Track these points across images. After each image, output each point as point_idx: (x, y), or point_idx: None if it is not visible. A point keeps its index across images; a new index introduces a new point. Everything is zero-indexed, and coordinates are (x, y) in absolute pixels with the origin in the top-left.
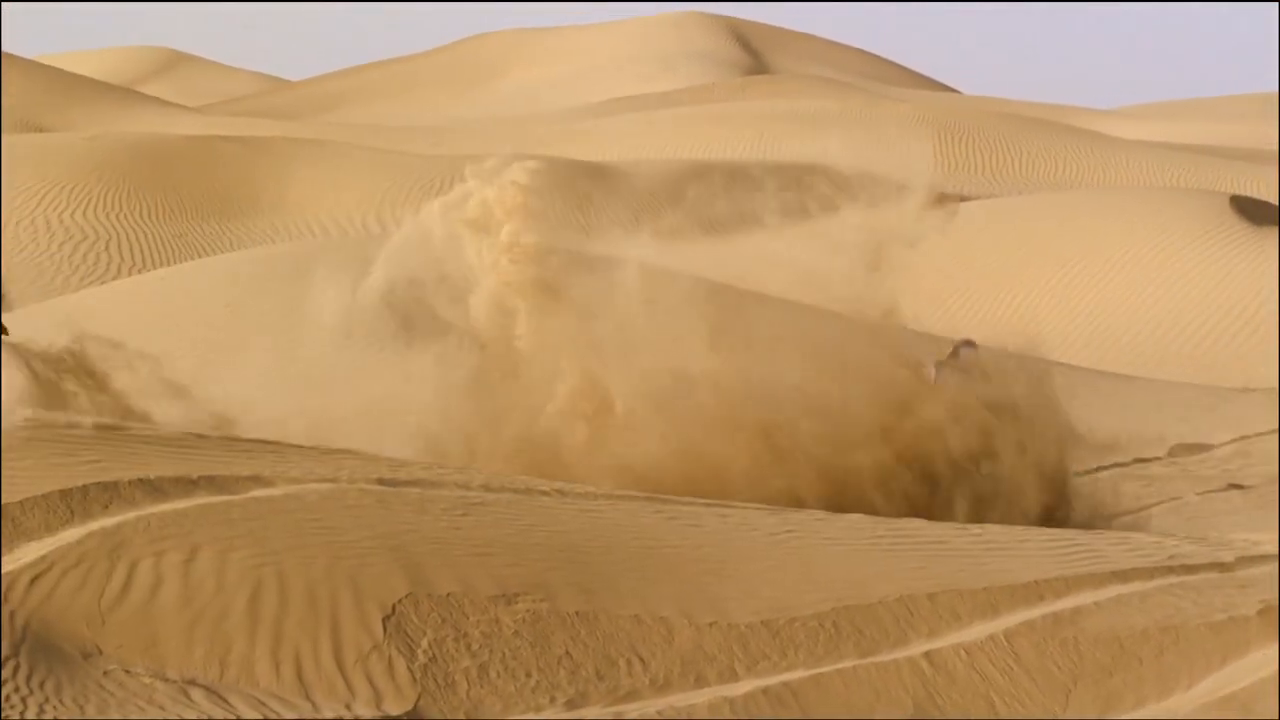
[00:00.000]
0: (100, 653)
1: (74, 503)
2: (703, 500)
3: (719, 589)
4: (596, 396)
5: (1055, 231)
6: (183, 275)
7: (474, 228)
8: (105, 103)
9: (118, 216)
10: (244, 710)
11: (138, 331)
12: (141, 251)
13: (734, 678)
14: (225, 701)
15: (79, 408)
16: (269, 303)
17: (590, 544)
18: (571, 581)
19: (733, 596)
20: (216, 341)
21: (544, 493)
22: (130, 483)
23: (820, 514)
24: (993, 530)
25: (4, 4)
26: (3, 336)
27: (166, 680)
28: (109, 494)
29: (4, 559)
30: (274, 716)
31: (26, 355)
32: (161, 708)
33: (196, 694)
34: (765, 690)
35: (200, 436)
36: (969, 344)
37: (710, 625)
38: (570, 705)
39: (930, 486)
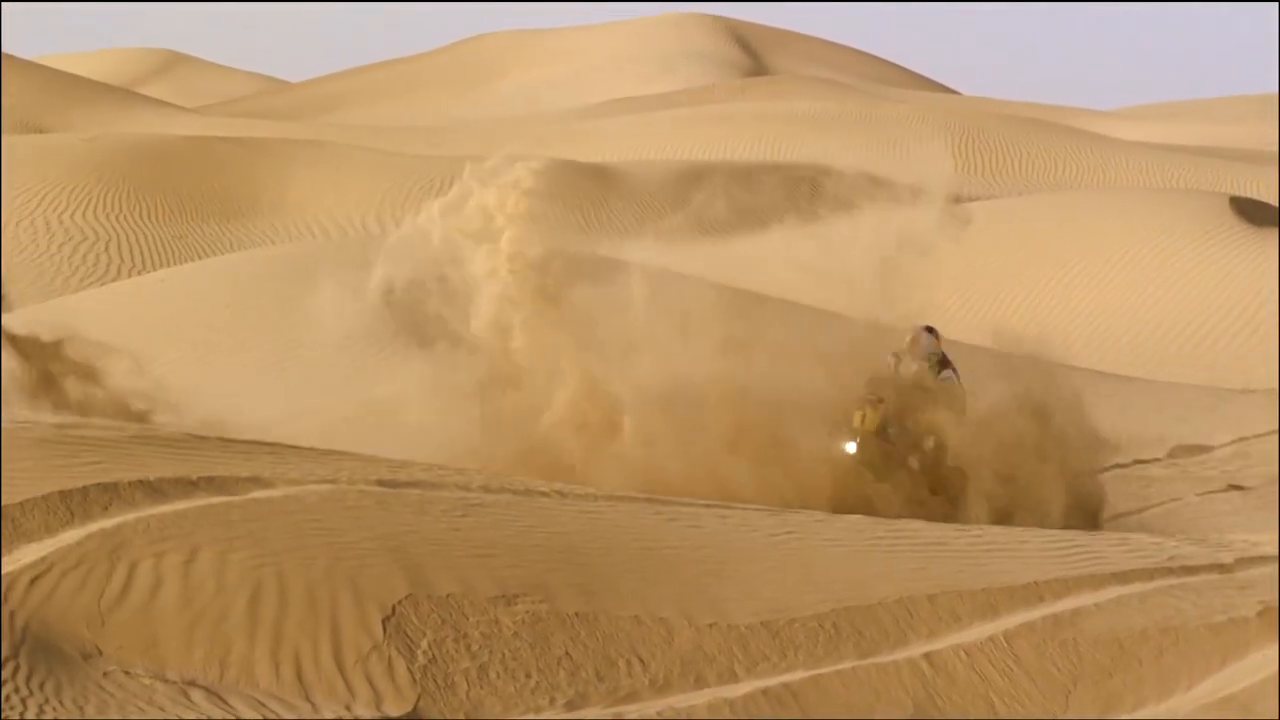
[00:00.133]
0: (100, 654)
1: (74, 504)
2: (702, 502)
3: (719, 590)
4: (597, 405)
5: (1055, 232)
6: (183, 276)
7: (475, 238)
8: (105, 104)
9: (117, 217)
10: (244, 711)
11: (137, 332)
12: (141, 252)
13: (734, 678)
14: (225, 702)
15: (75, 407)
16: (269, 304)
17: (590, 545)
18: (571, 582)
19: (732, 597)
20: (216, 342)
21: (544, 494)
22: (130, 484)
23: (820, 515)
24: (992, 532)
25: (3, 5)
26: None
27: (166, 681)
28: (109, 495)
29: (4, 560)
30: (274, 717)
31: (22, 348)
32: (161, 709)
33: (196, 695)
34: (765, 691)
35: (200, 438)
36: (929, 331)
37: (710, 626)
38: (570, 706)
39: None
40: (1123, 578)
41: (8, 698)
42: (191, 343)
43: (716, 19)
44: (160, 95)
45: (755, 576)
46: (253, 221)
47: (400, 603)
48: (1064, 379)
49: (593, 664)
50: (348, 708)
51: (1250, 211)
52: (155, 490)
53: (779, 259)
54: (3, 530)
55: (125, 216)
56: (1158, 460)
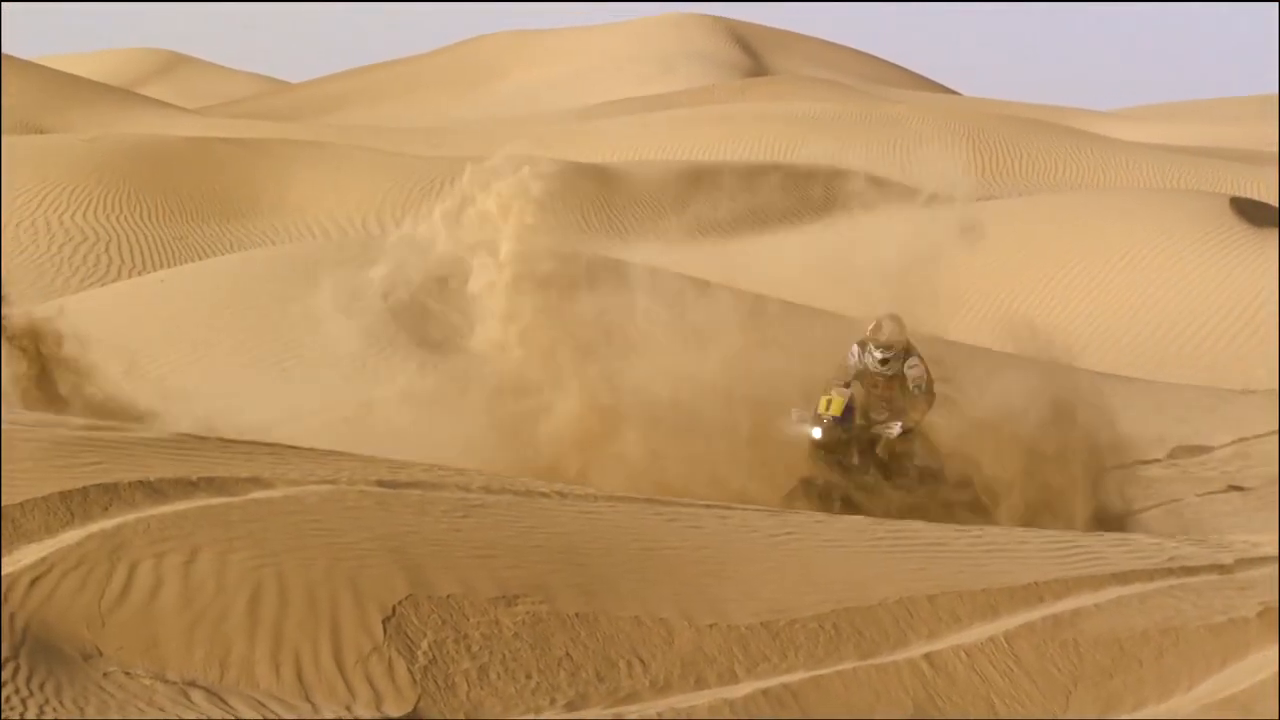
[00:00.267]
0: (100, 654)
1: (74, 504)
2: (702, 502)
3: (719, 591)
4: (598, 418)
5: (1055, 233)
6: (183, 277)
7: (476, 250)
8: (105, 104)
9: (117, 218)
10: (244, 712)
11: (138, 333)
12: (141, 253)
13: (734, 679)
14: (225, 703)
15: (75, 408)
16: (269, 304)
17: (590, 546)
18: (572, 583)
19: (733, 598)
20: (216, 343)
21: (544, 494)
22: (130, 484)
23: (820, 516)
24: (992, 532)
25: (4, 5)
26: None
27: (166, 682)
28: (109, 496)
29: (4, 561)
30: (274, 718)
31: (22, 349)
32: (161, 709)
33: (196, 695)
34: (765, 692)
35: (199, 438)
36: (892, 319)
37: (710, 627)
38: (570, 707)
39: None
40: (1123, 578)
41: (8, 698)
42: (191, 343)
43: (716, 19)
44: (160, 96)
45: (755, 577)
46: (253, 222)
47: (400, 603)
48: (1087, 381)
49: (593, 665)
50: (348, 708)
51: (1250, 212)
52: (155, 491)
53: (781, 260)
54: (3, 531)
55: (125, 217)
56: (1158, 461)
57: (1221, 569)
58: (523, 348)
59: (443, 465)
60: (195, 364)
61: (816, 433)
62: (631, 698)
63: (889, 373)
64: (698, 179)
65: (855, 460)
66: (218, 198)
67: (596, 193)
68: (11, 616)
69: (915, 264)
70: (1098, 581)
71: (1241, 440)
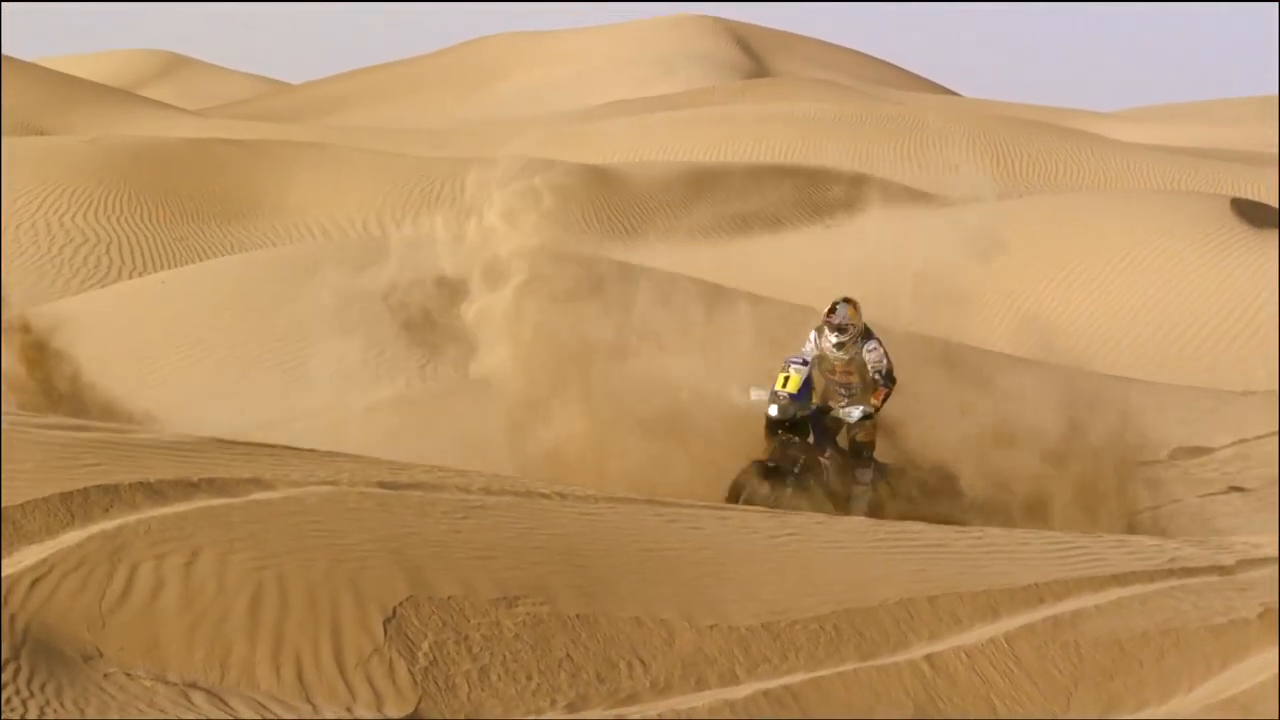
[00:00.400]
0: (101, 655)
1: (74, 506)
2: (702, 503)
3: (719, 592)
4: (597, 432)
5: (1055, 234)
6: (183, 278)
7: (480, 272)
8: (105, 106)
9: (118, 219)
10: (245, 712)
11: (138, 334)
12: (142, 254)
13: (734, 680)
14: (226, 704)
15: (75, 409)
16: (270, 305)
17: (590, 547)
18: (572, 584)
19: (733, 599)
20: (217, 344)
21: (544, 495)
22: (131, 485)
23: (820, 517)
24: (992, 533)
25: (4, 6)
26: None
27: (167, 683)
28: (109, 497)
29: (5, 562)
30: (274, 718)
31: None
32: (162, 710)
33: (197, 697)
34: (766, 693)
35: (200, 439)
36: (847, 302)
37: (711, 628)
38: (571, 708)
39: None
40: (1123, 580)
41: (8, 700)
42: (192, 344)
43: (716, 20)
44: (161, 97)
45: (756, 578)
46: (254, 223)
47: (401, 604)
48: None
49: (594, 666)
50: (349, 709)
51: (1251, 213)
52: (156, 492)
53: (781, 261)
54: (3, 532)
55: (126, 218)
56: (1158, 462)
57: (1222, 570)
58: (525, 372)
59: (443, 467)
60: (196, 365)
61: (773, 410)
62: (632, 699)
63: (845, 356)
64: (699, 180)
65: (811, 440)
66: (218, 199)
67: (597, 194)
68: (12, 618)
69: (924, 266)
70: (1098, 583)
71: (1242, 441)
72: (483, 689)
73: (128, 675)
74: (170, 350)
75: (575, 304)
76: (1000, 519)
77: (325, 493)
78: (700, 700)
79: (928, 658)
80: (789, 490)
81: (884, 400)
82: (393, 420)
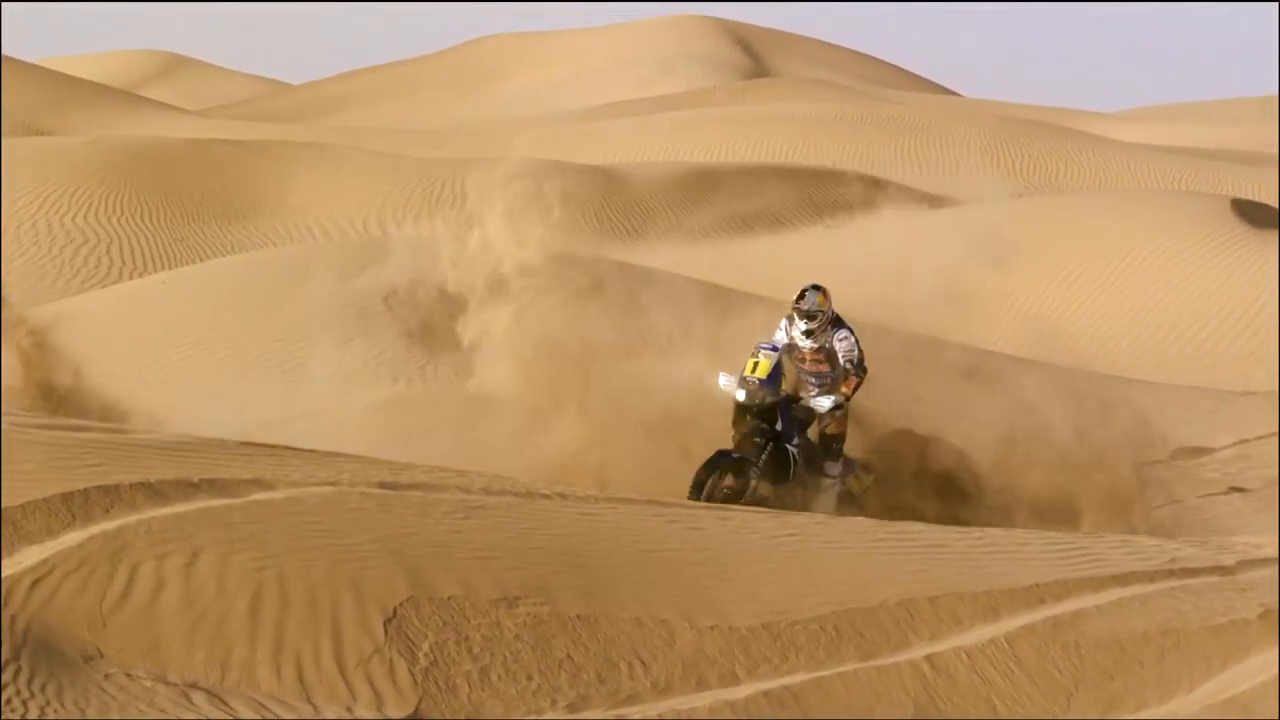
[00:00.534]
0: (101, 656)
1: (75, 506)
2: (703, 504)
3: (720, 592)
4: (599, 430)
5: (1056, 234)
6: (184, 278)
7: (490, 286)
8: (106, 106)
9: (119, 220)
10: (245, 713)
11: (139, 334)
12: (142, 255)
13: (735, 681)
14: (226, 704)
15: (75, 410)
16: (270, 306)
17: (591, 547)
18: (572, 585)
19: (733, 599)
20: (217, 344)
21: (545, 496)
22: (131, 486)
23: (820, 517)
24: (993, 534)
25: (4, 6)
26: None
27: (168, 683)
28: (110, 497)
29: (5, 562)
30: (275, 719)
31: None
32: (163, 711)
33: (198, 697)
34: (766, 693)
35: (201, 440)
36: (816, 289)
37: (711, 628)
38: (571, 708)
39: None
40: (1123, 580)
41: (9, 700)
42: (193, 344)
43: (717, 21)
44: (161, 98)
45: (756, 579)
46: (254, 224)
47: (402, 605)
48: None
49: (594, 666)
50: (349, 710)
51: (1251, 214)
52: (156, 492)
53: (782, 262)
54: (4, 533)
55: (126, 219)
56: (1159, 462)
57: (1222, 570)
58: (526, 378)
59: (444, 467)
60: (196, 365)
61: (740, 395)
62: (633, 699)
63: (815, 344)
64: (699, 180)
65: (779, 426)
66: (218, 199)
67: (598, 194)
68: (13, 618)
69: (926, 267)
70: (1099, 583)
71: (1243, 442)
72: (483, 689)
73: (128, 676)
74: (171, 350)
75: (576, 306)
76: (1031, 524)
77: (326, 493)
78: (701, 701)
79: (928, 658)
80: (753, 482)
81: (854, 390)
82: (393, 421)
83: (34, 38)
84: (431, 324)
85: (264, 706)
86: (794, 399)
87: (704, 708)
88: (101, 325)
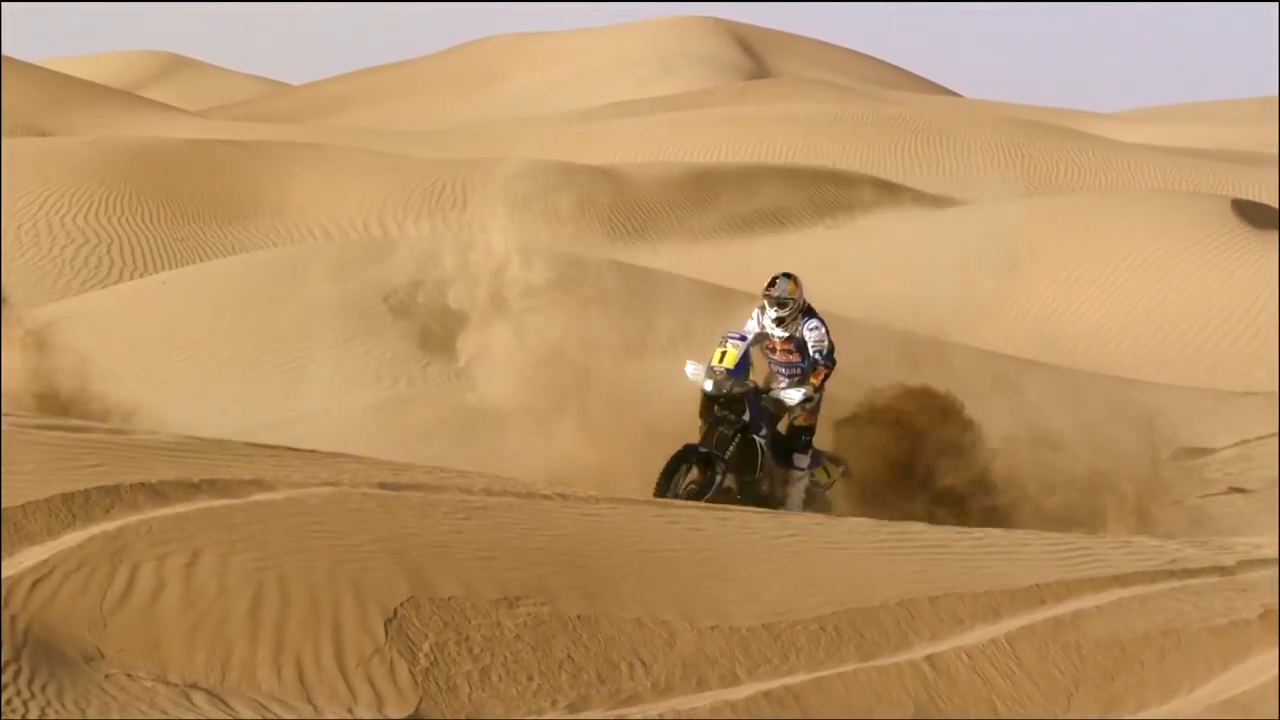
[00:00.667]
0: (102, 656)
1: (76, 506)
2: (703, 504)
3: (720, 592)
4: (597, 436)
5: (1056, 234)
6: (184, 279)
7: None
8: (106, 106)
9: (119, 220)
10: (245, 713)
11: (139, 335)
12: (143, 255)
13: (735, 681)
14: (227, 705)
15: (76, 410)
16: (271, 306)
17: (591, 548)
18: (573, 585)
19: (734, 600)
20: (218, 344)
21: (545, 496)
22: (132, 486)
23: (820, 518)
24: (993, 534)
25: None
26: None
27: (168, 683)
28: (111, 498)
29: (6, 563)
30: (275, 719)
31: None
32: (163, 711)
33: (198, 697)
34: (766, 693)
35: (201, 440)
36: (787, 277)
37: (711, 629)
38: (572, 708)
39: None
40: (1124, 580)
41: (9, 700)
42: (193, 345)
43: (717, 21)
44: (162, 98)
45: (756, 579)
46: (254, 224)
47: (402, 605)
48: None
49: (595, 666)
50: (350, 710)
51: (1251, 214)
52: (157, 493)
53: (782, 262)
54: (4, 533)
55: (127, 219)
56: (1159, 462)
57: (1223, 571)
58: (528, 383)
59: (444, 468)
60: (197, 365)
61: (708, 385)
62: (633, 699)
63: (785, 334)
64: (700, 181)
65: (746, 417)
66: (219, 200)
67: (599, 195)
68: (13, 619)
69: (926, 267)
70: (1099, 583)
71: (1243, 442)
72: (484, 689)
73: (129, 676)
74: (171, 351)
75: (577, 308)
76: (1058, 526)
77: (326, 494)
78: (701, 701)
79: (929, 658)
80: (719, 477)
81: (823, 381)
82: (393, 421)
83: (34, 38)
84: (432, 325)
85: (264, 707)
86: (763, 391)
87: (704, 708)
88: (102, 325)
